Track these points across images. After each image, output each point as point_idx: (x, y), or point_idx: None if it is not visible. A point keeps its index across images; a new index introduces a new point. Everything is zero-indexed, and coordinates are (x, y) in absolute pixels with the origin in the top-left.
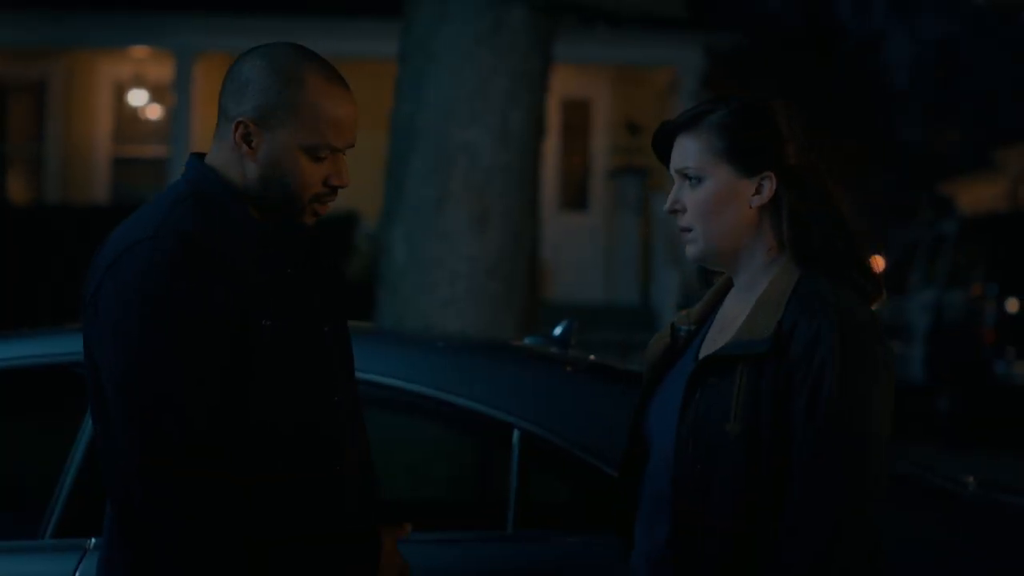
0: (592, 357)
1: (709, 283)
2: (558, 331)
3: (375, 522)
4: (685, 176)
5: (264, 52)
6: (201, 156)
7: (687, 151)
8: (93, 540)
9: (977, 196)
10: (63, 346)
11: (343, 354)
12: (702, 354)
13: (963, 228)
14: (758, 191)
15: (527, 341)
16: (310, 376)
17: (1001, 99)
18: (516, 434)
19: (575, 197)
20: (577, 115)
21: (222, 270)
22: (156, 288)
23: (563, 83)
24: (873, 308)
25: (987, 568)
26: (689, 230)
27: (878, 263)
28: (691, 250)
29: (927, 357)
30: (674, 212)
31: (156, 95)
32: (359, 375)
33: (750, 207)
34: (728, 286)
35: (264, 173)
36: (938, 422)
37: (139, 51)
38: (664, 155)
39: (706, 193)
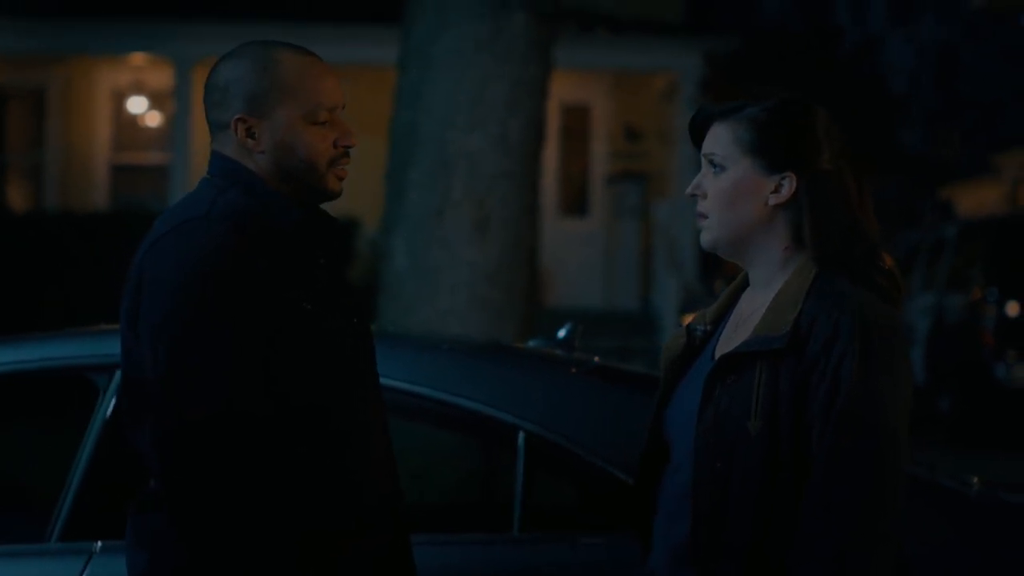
0: (596, 359)
1: (711, 287)
2: (562, 333)
3: (399, 520)
4: (711, 163)
5: (231, 55)
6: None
7: (717, 138)
8: (100, 543)
9: (977, 200)
10: (71, 349)
11: (368, 349)
12: (719, 352)
13: (963, 232)
14: (777, 190)
15: (531, 343)
16: (341, 365)
17: (1001, 104)
18: (521, 436)
19: (575, 203)
20: (576, 121)
21: (269, 253)
22: (214, 267)
23: (562, 88)
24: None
25: (994, 566)
26: (705, 216)
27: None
28: (705, 237)
29: (928, 360)
30: (694, 196)
31: (155, 102)
32: None
33: (766, 204)
34: (743, 286)
35: (277, 157)
36: (939, 424)
37: (138, 58)
38: (698, 139)
39: (726, 182)
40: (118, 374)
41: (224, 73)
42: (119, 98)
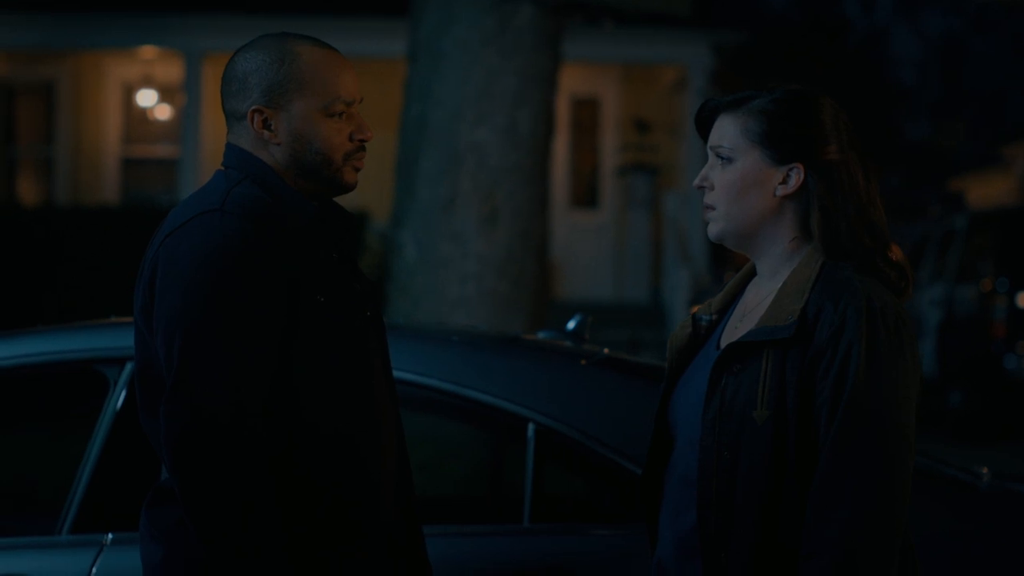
0: (606, 351)
1: (720, 278)
2: (572, 325)
3: (411, 520)
4: (718, 155)
5: (250, 46)
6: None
7: (724, 130)
8: (111, 535)
9: (986, 192)
10: (82, 342)
11: (381, 341)
12: (724, 341)
13: (973, 223)
14: (784, 181)
15: (541, 335)
16: (354, 357)
17: (1008, 95)
18: (531, 428)
19: (585, 195)
20: (586, 113)
21: (283, 245)
22: (228, 260)
23: (572, 81)
24: (900, 300)
25: (1003, 558)
26: (713, 208)
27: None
28: (712, 228)
29: (938, 352)
30: (701, 188)
31: (165, 95)
32: None
33: (774, 195)
34: (749, 276)
35: (293, 148)
36: (949, 417)
37: (147, 51)
38: (704, 131)
39: (733, 174)
40: (128, 366)
41: (242, 64)
42: (129, 91)
